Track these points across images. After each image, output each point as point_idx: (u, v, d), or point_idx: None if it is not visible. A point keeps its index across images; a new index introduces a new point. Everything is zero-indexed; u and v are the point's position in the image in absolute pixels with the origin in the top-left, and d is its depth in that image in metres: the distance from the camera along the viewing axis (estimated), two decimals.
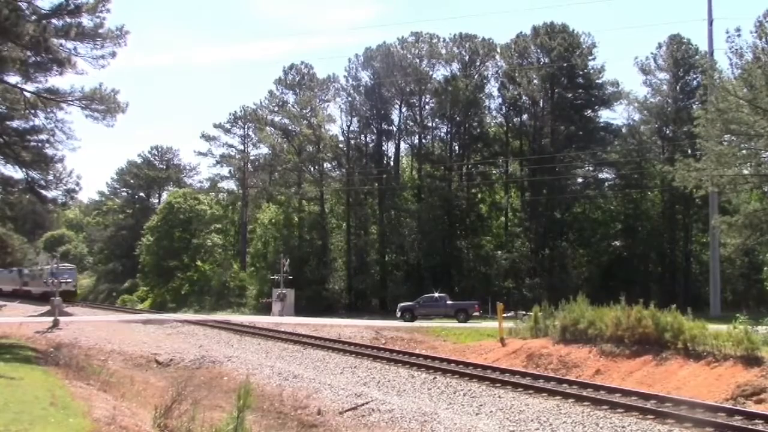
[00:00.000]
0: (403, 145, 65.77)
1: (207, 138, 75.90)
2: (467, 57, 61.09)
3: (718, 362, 18.47)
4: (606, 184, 59.76)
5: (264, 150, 74.50)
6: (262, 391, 18.32)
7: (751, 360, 17.86)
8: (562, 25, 57.08)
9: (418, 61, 61.96)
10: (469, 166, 61.07)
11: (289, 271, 47.85)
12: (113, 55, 23.63)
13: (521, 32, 59.30)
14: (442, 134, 64.14)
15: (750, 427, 12.82)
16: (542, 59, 57.03)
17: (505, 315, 28.74)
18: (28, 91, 24.45)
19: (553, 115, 56.67)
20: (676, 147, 51.30)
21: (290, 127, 66.54)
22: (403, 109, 63.23)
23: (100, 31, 23.00)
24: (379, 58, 61.45)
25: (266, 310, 49.93)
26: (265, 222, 63.54)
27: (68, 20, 22.59)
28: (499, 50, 60.60)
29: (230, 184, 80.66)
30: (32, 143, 26.08)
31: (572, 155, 55.28)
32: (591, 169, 58.81)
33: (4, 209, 28.97)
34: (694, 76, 52.90)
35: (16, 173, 26.45)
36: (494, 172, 62.95)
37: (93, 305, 68.65)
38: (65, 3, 22.33)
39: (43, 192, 27.16)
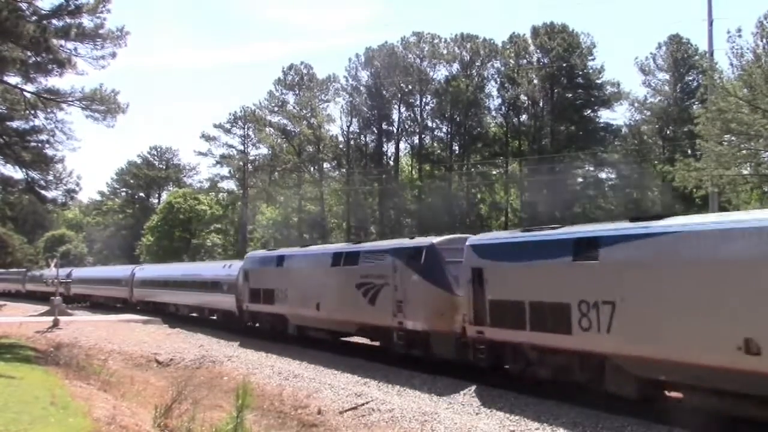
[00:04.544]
0: (403, 145, 65.97)
1: (207, 138, 76.05)
2: (468, 57, 61.18)
3: None
4: (606, 184, 59.83)
5: (264, 150, 74.66)
6: (262, 390, 18.32)
7: None
8: (561, 25, 57.28)
9: (419, 61, 62.08)
10: (469, 166, 61.12)
11: None
12: (113, 55, 23.82)
13: (520, 33, 59.70)
14: (442, 134, 64.25)
15: None
16: (542, 59, 57.14)
17: None
18: (29, 92, 24.57)
19: (553, 115, 56.79)
20: (676, 147, 51.36)
21: (290, 128, 66.65)
22: (403, 109, 63.36)
23: (101, 31, 23.13)
24: (380, 58, 61.58)
25: None
26: (264, 223, 63.58)
27: (68, 21, 22.71)
28: (499, 50, 60.73)
29: (230, 184, 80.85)
30: (32, 143, 26.15)
31: (572, 155, 55.35)
32: (591, 169, 58.89)
33: (4, 209, 29.02)
34: (694, 76, 52.98)
35: (16, 173, 26.58)
36: (494, 172, 63.04)
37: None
38: (65, 3, 22.44)
39: (43, 192, 27.25)
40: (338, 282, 22.76)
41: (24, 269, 54.80)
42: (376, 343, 22.74)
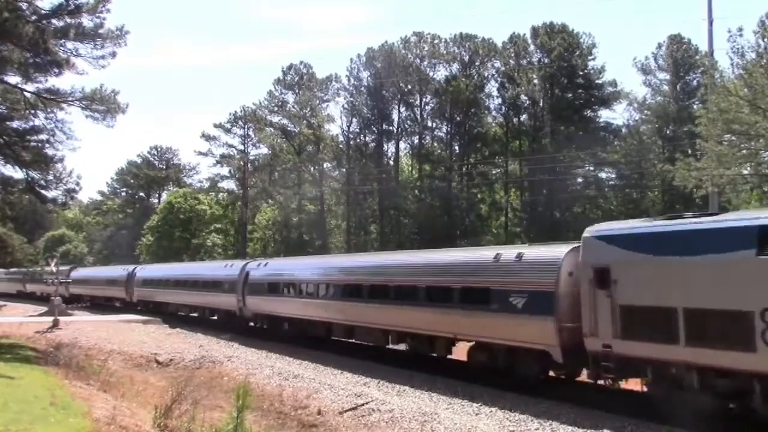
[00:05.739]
0: (403, 145, 66.03)
1: (207, 138, 76.08)
2: (467, 57, 61.22)
3: None
4: (606, 184, 59.82)
5: (264, 150, 74.69)
6: (262, 391, 18.30)
7: None
8: (561, 25, 57.30)
9: (419, 61, 62.13)
10: (469, 166, 61.14)
11: None
12: (113, 55, 23.83)
13: (520, 33, 59.73)
14: (442, 134, 64.30)
15: None
16: (542, 59, 57.18)
17: None
18: (29, 92, 24.55)
19: (553, 115, 56.77)
20: (676, 147, 51.34)
21: (290, 127, 66.74)
22: (403, 109, 63.40)
23: (100, 31, 23.14)
24: (381, 58, 61.66)
25: None
26: (263, 224, 63.63)
27: (68, 20, 22.72)
28: (499, 50, 60.76)
29: (230, 184, 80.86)
30: (32, 143, 26.11)
31: (572, 155, 55.34)
32: (591, 169, 58.88)
33: (4, 209, 28.97)
34: (695, 76, 53.00)
35: (16, 173, 26.53)
36: (494, 172, 63.06)
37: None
38: (65, 3, 22.44)
39: (43, 192, 27.19)
40: None
41: (68, 268, 43.10)
42: None
